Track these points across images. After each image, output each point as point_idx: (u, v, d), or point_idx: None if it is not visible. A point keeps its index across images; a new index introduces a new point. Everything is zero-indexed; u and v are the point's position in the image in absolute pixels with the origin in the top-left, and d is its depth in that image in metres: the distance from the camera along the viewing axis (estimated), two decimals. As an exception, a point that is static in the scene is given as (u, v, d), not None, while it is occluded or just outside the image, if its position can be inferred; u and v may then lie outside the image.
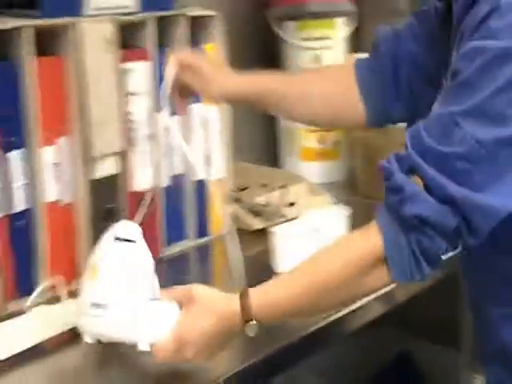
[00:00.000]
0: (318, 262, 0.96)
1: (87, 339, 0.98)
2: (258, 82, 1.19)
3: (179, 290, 0.97)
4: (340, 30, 1.74)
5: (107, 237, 0.99)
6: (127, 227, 1.00)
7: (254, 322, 0.93)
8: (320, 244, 1.24)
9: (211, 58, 1.32)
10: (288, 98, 1.18)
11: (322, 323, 1.11)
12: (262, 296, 0.95)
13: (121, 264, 0.97)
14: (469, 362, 1.62)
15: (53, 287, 1.13)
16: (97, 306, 0.96)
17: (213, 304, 0.94)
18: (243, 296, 0.93)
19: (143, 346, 0.95)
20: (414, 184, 0.89)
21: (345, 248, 0.95)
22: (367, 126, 1.21)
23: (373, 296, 1.16)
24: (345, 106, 1.18)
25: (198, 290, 0.95)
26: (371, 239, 0.92)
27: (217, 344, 0.95)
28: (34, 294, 1.10)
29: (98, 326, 0.96)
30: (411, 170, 0.90)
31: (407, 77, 1.13)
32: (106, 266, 0.97)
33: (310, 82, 1.20)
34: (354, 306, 1.15)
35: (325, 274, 0.94)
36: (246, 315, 0.93)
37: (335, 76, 1.20)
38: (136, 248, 0.99)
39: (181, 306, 0.95)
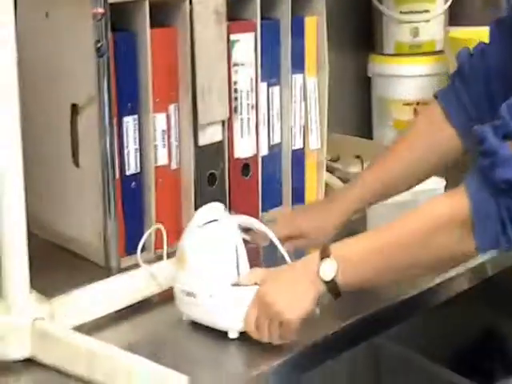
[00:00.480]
0: (400, 220, 0.97)
1: (184, 317, 1.02)
2: (356, 202, 1.18)
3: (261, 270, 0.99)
4: (438, 3, 1.75)
5: (193, 223, 1.01)
6: (211, 209, 1.02)
7: (332, 259, 0.93)
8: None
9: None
10: (392, 186, 1.18)
11: (408, 294, 1.14)
12: (340, 244, 0.97)
13: (206, 251, 0.99)
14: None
15: (157, 241, 1.19)
16: (187, 293, 1.00)
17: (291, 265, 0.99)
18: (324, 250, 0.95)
19: (233, 335, 0.98)
20: (508, 149, 0.89)
21: (429, 208, 0.95)
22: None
23: (460, 269, 1.21)
24: (448, 151, 1.16)
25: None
26: (458, 201, 0.91)
27: (297, 291, 0.94)
28: (141, 240, 1.13)
29: (190, 312, 1.01)
30: (506, 137, 0.90)
31: (501, 89, 1.10)
32: (191, 253, 1.00)
33: (407, 163, 1.17)
34: (438, 280, 1.18)
35: (404, 230, 0.95)
36: (324, 252, 0.94)
37: (424, 136, 1.17)
38: (220, 227, 1.00)
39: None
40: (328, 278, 0.94)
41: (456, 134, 1.15)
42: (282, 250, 1.05)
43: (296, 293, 0.95)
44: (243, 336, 0.98)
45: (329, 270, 0.94)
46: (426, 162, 1.17)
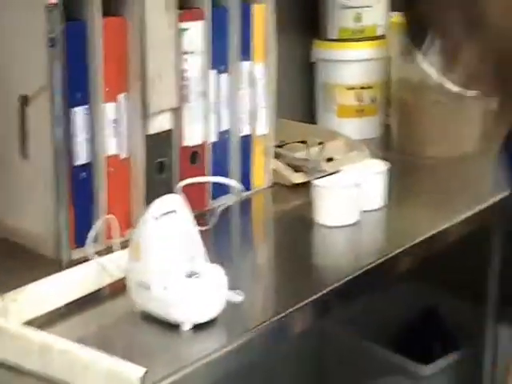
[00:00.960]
0: None
1: (136, 308, 1.03)
2: None
3: None
4: (381, -11, 1.78)
5: (148, 214, 1.01)
6: (166, 200, 1.03)
7: None
8: (359, 196, 1.32)
9: None
10: None
11: (350, 275, 1.16)
12: None
13: (160, 242, 1.00)
14: (495, 318, 1.69)
15: (108, 231, 1.19)
16: (140, 285, 1.00)
17: None
18: None
19: (187, 327, 0.99)
20: None
21: None
22: None
23: (399, 250, 1.24)
24: None
25: None
26: None
27: None
28: (91, 231, 1.13)
29: (144, 304, 1.01)
30: None
31: None
32: (146, 245, 1.00)
33: None
34: (380, 261, 1.20)
35: None
36: None
37: None
38: (176, 219, 1.01)
39: None
40: None
41: None
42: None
43: None
44: (196, 328, 1.00)
45: None
46: None
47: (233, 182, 1.28)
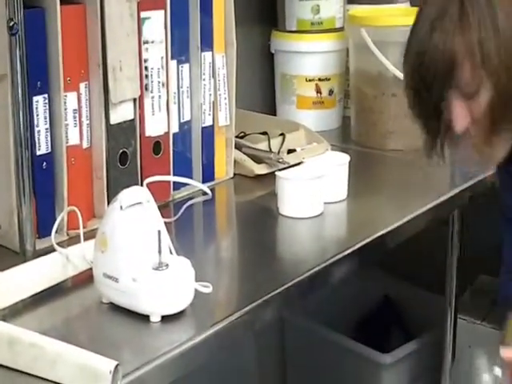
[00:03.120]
0: None
1: (104, 300, 1.02)
2: None
3: None
4: (338, -19, 1.78)
5: (114, 205, 1.00)
6: (133, 192, 1.01)
7: None
8: (323, 188, 1.32)
9: None
10: None
11: (314, 268, 1.15)
12: None
13: (127, 234, 0.98)
14: (454, 307, 1.71)
15: (70, 222, 1.18)
16: (108, 276, 0.99)
17: None
18: None
19: (155, 318, 0.98)
20: None
21: None
22: None
23: (363, 242, 1.24)
24: None
25: None
26: None
27: None
28: (55, 224, 1.13)
29: (111, 296, 1.00)
30: None
31: None
32: (113, 236, 0.99)
33: None
34: (343, 253, 1.20)
35: None
36: None
37: None
38: (143, 211, 1.00)
39: None
40: None
41: None
42: None
43: None
44: (164, 319, 0.99)
45: None
46: None
47: (201, 186, 1.28)
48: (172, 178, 1.25)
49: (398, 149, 1.65)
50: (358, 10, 1.78)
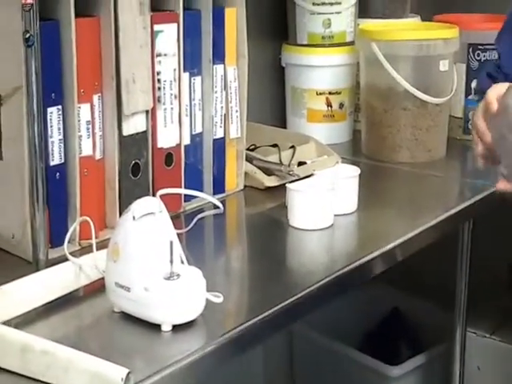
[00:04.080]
0: None
1: (115, 309, 1.03)
2: None
3: None
4: (349, -5, 1.79)
5: (126, 215, 1.01)
6: (145, 202, 1.02)
7: None
8: (333, 201, 1.32)
9: None
10: None
11: (323, 280, 1.16)
12: None
13: (140, 244, 0.99)
14: (463, 320, 1.71)
15: (84, 231, 1.19)
16: (119, 286, 1.00)
17: None
18: None
19: (167, 328, 0.99)
20: None
21: None
22: None
23: (372, 255, 1.25)
24: None
25: None
26: None
27: None
28: (69, 232, 1.14)
29: (123, 305, 1.01)
30: None
31: None
32: (125, 246, 1.00)
33: None
34: (353, 265, 1.20)
35: None
36: None
37: None
38: (155, 221, 1.01)
39: None
40: None
41: None
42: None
43: None
44: (176, 328, 1.00)
45: None
46: None
47: (213, 200, 1.29)
48: (184, 191, 1.26)
49: (407, 162, 1.66)
50: (368, 24, 1.79)
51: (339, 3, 1.78)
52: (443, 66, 1.65)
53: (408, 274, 1.76)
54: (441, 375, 1.78)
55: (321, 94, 1.78)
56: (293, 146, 1.59)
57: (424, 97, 1.63)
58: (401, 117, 1.66)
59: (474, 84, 1.77)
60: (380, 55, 1.63)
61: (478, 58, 1.76)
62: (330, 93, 1.78)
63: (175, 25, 1.31)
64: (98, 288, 1.07)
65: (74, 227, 1.14)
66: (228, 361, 1.05)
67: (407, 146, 1.67)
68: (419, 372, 1.77)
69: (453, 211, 1.43)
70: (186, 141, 1.37)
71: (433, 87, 1.65)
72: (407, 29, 1.71)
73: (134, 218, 1.00)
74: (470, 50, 1.76)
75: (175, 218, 1.30)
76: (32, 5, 1.06)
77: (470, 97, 1.79)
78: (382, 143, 1.70)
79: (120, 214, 1.15)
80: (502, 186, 1.04)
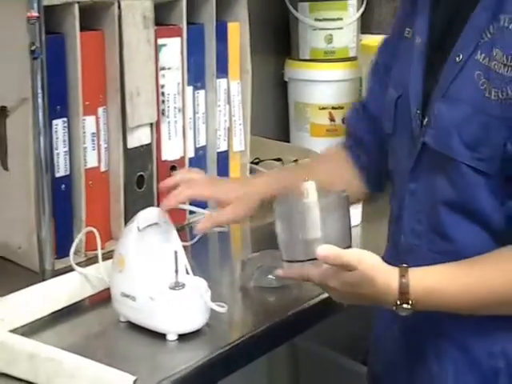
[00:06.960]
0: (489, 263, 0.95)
1: (121, 318, 1.03)
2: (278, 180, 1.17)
3: (351, 252, 0.94)
4: (351, 11, 1.81)
5: (131, 226, 1.02)
6: (150, 213, 1.03)
7: (409, 306, 0.92)
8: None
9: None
10: None
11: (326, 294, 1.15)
12: (421, 279, 0.93)
13: (144, 254, 1.00)
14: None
15: (89, 242, 1.19)
16: (126, 295, 1.00)
17: (374, 275, 0.93)
18: (402, 275, 0.93)
19: (172, 337, 0.99)
20: None
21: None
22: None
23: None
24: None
25: (366, 257, 0.94)
26: None
27: (363, 303, 0.97)
28: (73, 245, 1.15)
29: (129, 314, 1.02)
30: None
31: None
32: (130, 256, 1.00)
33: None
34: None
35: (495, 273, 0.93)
36: (403, 298, 0.92)
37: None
38: (160, 231, 1.02)
39: (348, 266, 0.92)
40: (404, 314, 0.93)
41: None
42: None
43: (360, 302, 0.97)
44: (181, 337, 1.00)
45: (405, 311, 0.93)
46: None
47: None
48: (189, 207, 1.25)
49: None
50: (370, 39, 1.80)
51: (341, 19, 1.80)
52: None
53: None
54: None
55: (324, 108, 1.79)
56: (296, 160, 1.60)
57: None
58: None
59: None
60: (382, 70, 1.64)
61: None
62: (332, 107, 1.79)
63: (179, 39, 1.33)
64: (103, 298, 1.08)
65: (79, 238, 1.14)
66: (232, 371, 1.06)
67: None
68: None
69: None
70: (190, 153, 1.38)
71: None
72: (409, 43, 1.72)
73: (138, 228, 1.00)
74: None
75: (180, 231, 1.30)
76: (38, 18, 1.08)
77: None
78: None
79: (125, 226, 1.16)
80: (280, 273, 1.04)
